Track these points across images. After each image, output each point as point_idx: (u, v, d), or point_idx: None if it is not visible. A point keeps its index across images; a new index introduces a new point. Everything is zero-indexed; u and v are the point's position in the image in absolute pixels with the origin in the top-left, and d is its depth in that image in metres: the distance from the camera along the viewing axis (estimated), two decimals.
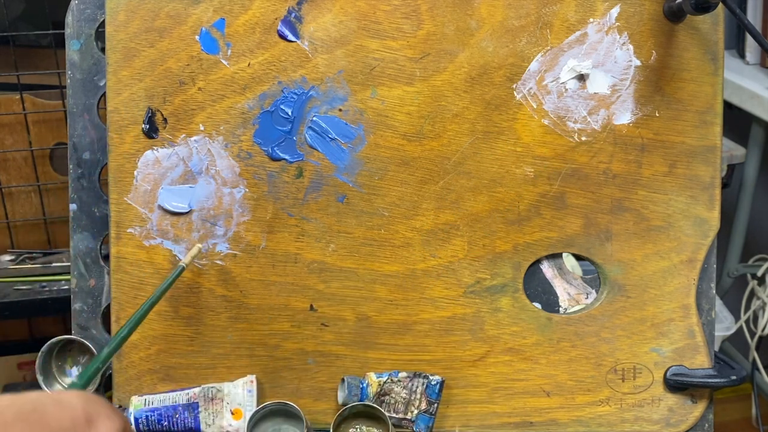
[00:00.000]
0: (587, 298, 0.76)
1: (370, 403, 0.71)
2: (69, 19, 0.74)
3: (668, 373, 0.75)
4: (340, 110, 0.72)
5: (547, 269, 0.75)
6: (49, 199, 1.22)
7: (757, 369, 1.46)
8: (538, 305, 0.75)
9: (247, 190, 0.72)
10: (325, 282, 0.73)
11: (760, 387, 1.48)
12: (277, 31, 0.71)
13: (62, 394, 0.32)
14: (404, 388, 0.73)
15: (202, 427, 0.72)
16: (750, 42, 1.42)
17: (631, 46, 0.72)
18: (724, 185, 1.39)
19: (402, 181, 0.73)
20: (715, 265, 0.76)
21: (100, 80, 0.75)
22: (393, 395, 0.73)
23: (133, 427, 0.72)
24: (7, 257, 1.20)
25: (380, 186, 0.73)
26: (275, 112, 0.72)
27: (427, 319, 0.74)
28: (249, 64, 0.71)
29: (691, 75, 0.73)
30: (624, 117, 0.73)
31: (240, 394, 0.72)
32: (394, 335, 0.74)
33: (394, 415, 0.72)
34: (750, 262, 1.57)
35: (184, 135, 0.72)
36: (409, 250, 0.73)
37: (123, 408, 0.73)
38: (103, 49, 0.73)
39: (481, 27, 0.71)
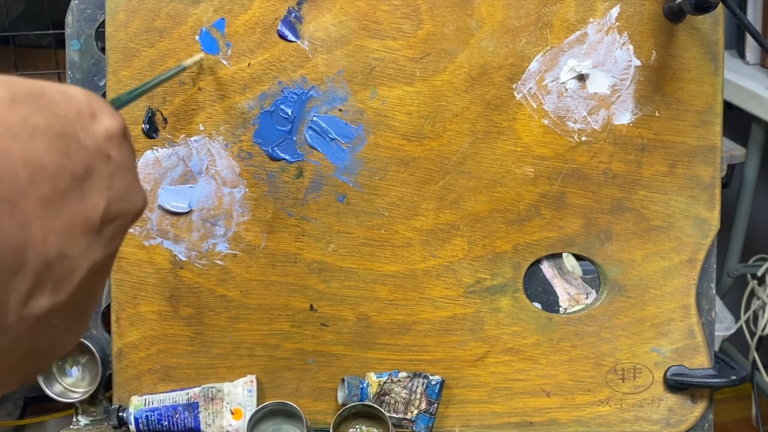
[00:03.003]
0: (587, 298, 0.76)
1: (370, 403, 0.71)
2: (69, 19, 0.74)
3: (668, 373, 0.75)
4: (340, 110, 0.72)
5: (547, 269, 0.75)
6: None
7: (757, 369, 1.46)
8: (538, 305, 0.75)
9: (247, 190, 0.72)
10: (325, 282, 0.73)
11: (760, 387, 1.48)
12: (277, 31, 0.71)
13: (68, 87, 0.33)
14: (404, 388, 0.73)
15: (202, 427, 0.72)
16: (750, 42, 1.41)
17: (631, 46, 0.72)
18: (724, 185, 1.39)
19: (402, 181, 0.73)
20: (715, 265, 0.76)
21: (100, 80, 0.75)
22: (393, 395, 0.73)
23: (132, 427, 0.72)
24: None
25: (380, 186, 0.73)
26: (275, 112, 0.72)
27: (427, 319, 0.74)
28: (249, 64, 0.71)
29: (691, 75, 0.73)
30: (624, 117, 0.73)
31: (240, 394, 0.72)
32: (394, 335, 0.74)
33: (394, 415, 0.72)
34: (750, 262, 1.57)
35: (184, 135, 0.72)
36: (409, 250, 0.73)
37: (123, 408, 0.73)
38: (103, 49, 0.73)
39: (481, 27, 0.71)
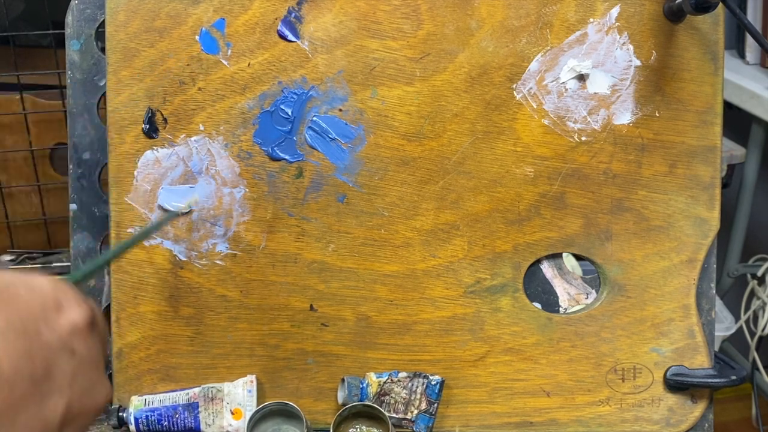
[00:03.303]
0: (587, 298, 0.76)
1: (370, 403, 0.71)
2: (69, 19, 0.74)
3: (668, 373, 0.75)
4: (340, 110, 0.72)
5: (547, 269, 0.75)
6: (49, 199, 1.22)
7: (757, 369, 1.46)
8: (538, 305, 0.75)
9: (247, 190, 0.72)
10: (325, 282, 0.73)
11: (760, 387, 1.48)
12: (277, 31, 0.71)
13: (33, 279, 0.31)
14: (404, 388, 0.73)
15: (202, 427, 0.72)
16: (750, 42, 1.41)
17: (631, 46, 0.72)
18: (724, 185, 1.39)
19: (402, 181, 0.73)
20: (715, 265, 0.76)
21: (100, 80, 0.75)
22: (393, 395, 0.73)
23: (132, 427, 0.72)
24: (7, 257, 1.20)
25: (380, 186, 0.73)
26: (275, 112, 0.72)
27: (427, 319, 0.74)
28: (249, 64, 0.71)
29: (691, 75, 0.73)
30: (624, 117, 0.73)
31: (240, 394, 0.72)
32: (394, 335, 0.74)
33: (394, 415, 0.72)
34: (750, 262, 1.57)
35: (184, 135, 0.72)
36: (409, 250, 0.73)
37: (123, 408, 0.73)
38: (103, 49, 0.73)
39: (481, 27, 0.71)
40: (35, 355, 0.29)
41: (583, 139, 0.73)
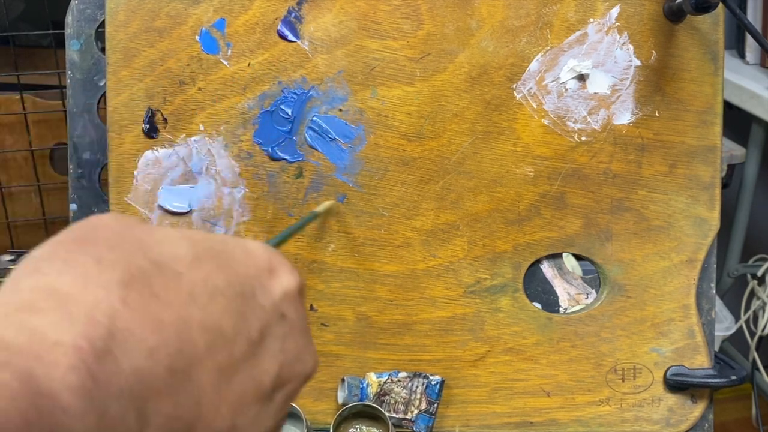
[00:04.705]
0: (587, 298, 0.76)
1: (370, 403, 0.71)
2: (69, 19, 0.74)
3: (668, 373, 0.75)
4: (340, 110, 0.72)
5: (547, 269, 0.75)
6: (49, 199, 1.22)
7: (757, 369, 1.46)
8: (538, 305, 0.75)
9: (247, 190, 0.72)
10: (325, 282, 0.73)
11: (760, 387, 1.48)
12: (277, 31, 0.71)
13: (248, 242, 0.32)
14: (404, 388, 0.73)
15: None
16: (750, 42, 1.42)
17: (631, 46, 0.72)
18: (724, 185, 1.39)
19: (402, 181, 0.73)
20: (715, 265, 0.76)
21: (100, 80, 0.75)
22: (393, 395, 0.73)
23: None
24: (7, 257, 1.20)
25: (380, 186, 0.73)
26: (275, 112, 0.72)
27: (427, 319, 0.74)
28: (249, 64, 0.71)
29: (691, 75, 0.73)
30: (624, 117, 0.73)
31: None
32: (394, 335, 0.74)
33: (394, 415, 0.72)
34: (750, 262, 1.57)
35: (184, 135, 0.72)
36: (409, 250, 0.73)
37: None
38: (103, 49, 0.73)
39: (481, 27, 0.71)
40: (252, 317, 0.29)
41: (583, 139, 0.73)
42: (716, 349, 0.79)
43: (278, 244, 0.50)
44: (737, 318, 1.48)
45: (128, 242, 0.27)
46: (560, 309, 0.75)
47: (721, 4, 0.69)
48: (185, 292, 0.27)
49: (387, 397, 0.73)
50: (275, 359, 0.30)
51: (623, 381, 0.75)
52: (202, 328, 0.26)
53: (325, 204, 0.71)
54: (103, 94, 0.73)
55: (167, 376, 0.25)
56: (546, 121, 0.72)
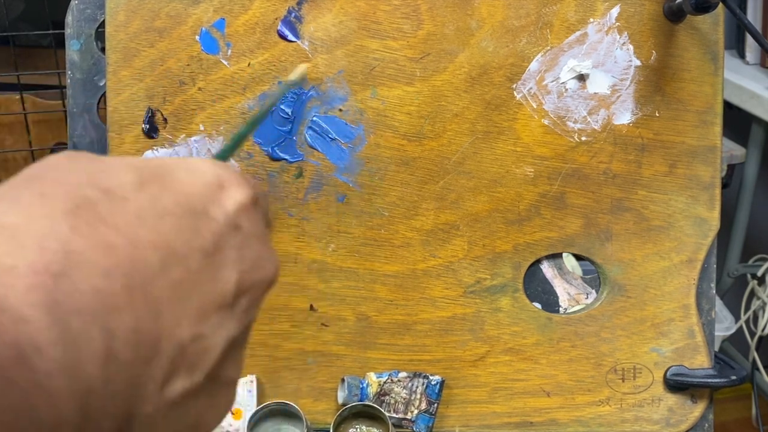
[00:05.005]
0: (587, 298, 0.76)
1: (370, 403, 0.71)
2: (69, 19, 0.74)
3: (668, 373, 0.75)
4: (340, 110, 0.72)
5: (547, 269, 0.75)
6: None
7: (757, 369, 1.46)
8: (538, 305, 0.75)
9: None
10: (325, 282, 0.73)
11: (760, 387, 1.48)
12: (277, 31, 0.71)
13: (193, 161, 0.32)
14: (404, 388, 0.73)
15: None
16: (750, 42, 1.42)
17: (631, 46, 0.72)
18: (724, 185, 1.39)
19: (402, 181, 0.73)
20: (715, 265, 0.76)
21: (100, 80, 0.75)
22: (393, 395, 0.73)
23: None
24: None
25: (380, 186, 0.73)
26: (275, 112, 0.72)
27: (427, 319, 0.74)
28: (249, 64, 0.71)
29: (691, 75, 0.73)
30: (624, 117, 0.73)
31: (240, 394, 0.72)
32: (394, 335, 0.74)
33: (394, 415, 0.72)
34: (750, 262, 1.57)
35: (184, 135, 0.72)
36: (409, 250, 0.73)
37: None
38: (103, 49, 0.73)
39: (481, 27, 0.71)
40: (205, 231, 0.30)
41: (583, 139, 0.73)
42: (716, 349, 0.79)
43: (228, 152, 0.50)
44: (737, 318, 1.48)
45: (74, 174, 0.28)
46: (560, 309, 0.75)
47: (721, 4, 0.69)
48: (133, 215, 0.27)
49: (387, 397, 0.73)
50: (233, 268, 0.30)
51: (623, 381, 0.75)
52: (153, 248, 0.27)
53: (297, 70, 0.68)
54: (103, 94, 0.73)
55: (125, 294, 0.26)
56: (546, 121, 0.72)
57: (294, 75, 0.64)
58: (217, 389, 0.31)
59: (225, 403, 0.32)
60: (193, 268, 0.29)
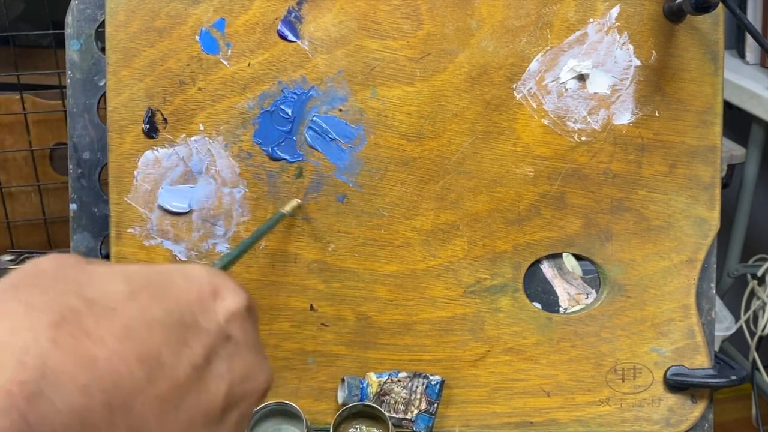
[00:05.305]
0: (587, 298, 0.76)
1: (370, 403, 0.71)
2: (69, 19, 0.74)
3: (668, 373, 0.75)
4: (340, 110, 0.72)
5: (547, 269, 0.75)
6: (49, 199, 1.22)
7: (757, 369, 1.46)
8: (538, 305, 0.75)
9: (247, 190, 0.72)
10: (325, 282, 0.73)
11: (760, 387, 1.48)
12: (277, 31, 0.71)
13: (189, 267, 0.32)
14: (404, 388, 0.73)
15: None
16: (750, 42, 1.42)
17: (631, 46, 0.72)
18: (724, 185, 1.39)
19: (402, 181, 0.73)
20: (715, 265, 0.76)
21: (100, 80, 0.75)
22: (393, 395, 0.73)
23: None
24: (7, 257, 1.20)
25: (380, 186, 0.73)
26: (275, 112, 0.72)
27: (427, 319, 0.74)
28: (249, 64, 0.71)
29: (691, 75, 0.73)
30: (624, 117, 0.73)
31: None
32: (394, 335, 0.74)
33: (394, 415, 0.72)
34: (750, 262, 1.57)
35: (184, 135, 0.72)
36: (409, 250, 0.73)
37: None
38: (103, 49, 0.73)
39: (481, 27, 0.71)
40: (195, 343, 0.29)
41: (583, 139, 0.73)
42: (716, 349, 0.79)
43: (228, 264, 0.50)
44: (737, 318, 1.48)
45: (62, 283, 0.27)
46: (560, 309, 0.75)
47: (721, 4, 0.69)
48: (120, 326, 0.27)
49: (387, 397, 0.73)
50: (223, 381, 0.30)
51: (623, 381, 0.75)
52: (139, 360, 0.26)
53: (291, 203, 0.71)
54: (103, 94, 0.73)
55: (104, 412, 0.25)
56: (546, 121, 0.72)
57: (288, 207, 0.70)
58: None
59: None
60: (181, 381, 0.28)
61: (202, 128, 0.72)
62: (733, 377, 0.73)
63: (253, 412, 0.32)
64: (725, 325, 1.39)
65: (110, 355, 0.26)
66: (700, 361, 0.75)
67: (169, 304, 0.29)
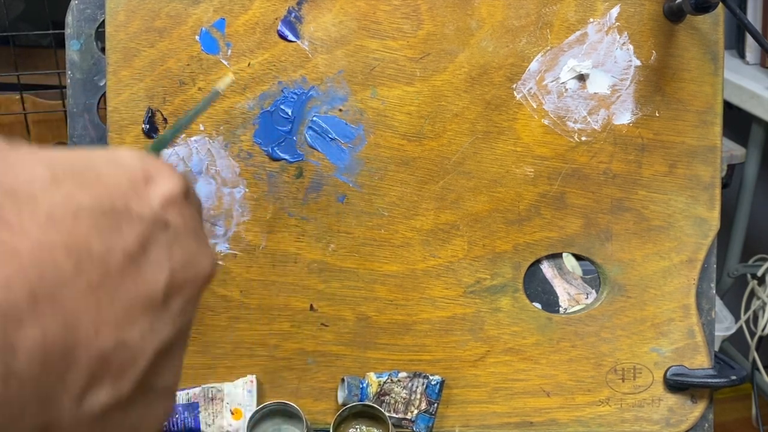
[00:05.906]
0: (587, 298, 0.76)
1: (370, 403, 0.71)
2: (69, 19, 0.74)
3: (668, 373, 0.75)
4: (340, 110, 0.72)
5: (547, 269, 0.75)
6: None
7: (757, 369, 1.46)
8: (538, 305, 0.75)
9: (247, 190, 0.72)
10: (325, 282, 0.73)
11: (760, 387, 1.48)
12: (277, 31, 0.71)
13: (117, 152, 0.30)
14: (404, 388, 0.73)
15: (202, 427, 0.72)
16: (750, 42, 1.42)
17: (631, 46, 0.72)
18: (724, 185, 1.39)
19: (402, 181, 0.73)
20: (715, 265, 0.76)
21: (100, 80, 0.75)
22: (393, 395, 0.73)
23: None
24: None
25: (380, 186, 0.73)
26: (275, 112, 0.72)
27: (427, 319, 0.74)
28: (249, 64, 0.71)
29: (691, 75, 0.73)
30: (624, 117, 0.73)
31: (240, 394, 0.72)
32: (394, 335, 0.74)
33: (394, 415, 0.72)
34: (750, 262, 1.57)
35: (184, 135, 0.72)
36: (409, 250, 0.73)
37: None
38: (103, 49, 0.73)
39: (481, 27, 0.71)
40: (127, 230, 0.28)
41: (583, 139, 0.73)
42: (716, 349, 0.79)
43: (160, 147, 0.47)
44: (737, 318, 1.48)
45: None
46: (560, 309, 0.75)
47: (721, 4, 0.69)
48: (43, 215, 0.25)
49: (387, 397, 0.73)
50: (161, 268, 0.28)
51: (623, 381, 0.75)
52: (66, 250, 0.25)
53: (225, 80, 0.68)
54: (103, 94, 0.73)
55: (29, 304, 0.24)
56: (546, 121, 0.72)
57: (222, 84, 0.66)
58: (152, 399, 0.28)
59: (163, 413, 0.30)
60: (113, 270, 0.26)
61: (202, 128, 0.72)
62: (733, 377, 0.73)
63: (198, 300, 0.31)
64: (725, 325, 1.39)
65: (34, 245, 0.25)
66: (700, 361, 0.75)
67: (97, 190, 0.27)
